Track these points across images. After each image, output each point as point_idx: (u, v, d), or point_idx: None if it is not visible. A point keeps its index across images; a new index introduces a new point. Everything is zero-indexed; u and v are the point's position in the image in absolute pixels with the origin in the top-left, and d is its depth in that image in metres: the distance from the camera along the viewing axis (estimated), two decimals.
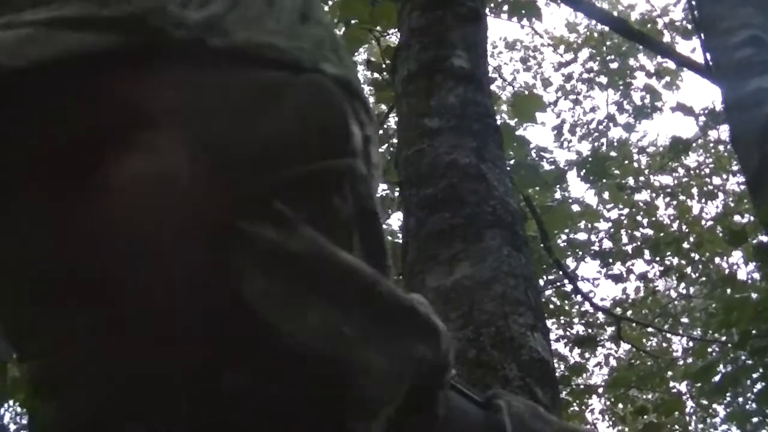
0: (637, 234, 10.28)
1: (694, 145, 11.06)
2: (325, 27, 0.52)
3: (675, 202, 11.29)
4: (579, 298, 9.03)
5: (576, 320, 10.44)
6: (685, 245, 10.05)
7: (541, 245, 5.86)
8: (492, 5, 6.86)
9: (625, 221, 10.47)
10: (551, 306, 9.05)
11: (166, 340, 0.42)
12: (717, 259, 11.05)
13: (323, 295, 0.43)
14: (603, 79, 11.64)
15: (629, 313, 11.15)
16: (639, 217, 10.60)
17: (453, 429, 0.48)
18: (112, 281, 0.41)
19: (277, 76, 0.47)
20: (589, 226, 9.84)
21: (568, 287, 8.38)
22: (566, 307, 9.93)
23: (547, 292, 8.56)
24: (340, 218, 0.46)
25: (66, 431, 0.41)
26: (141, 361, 0.41)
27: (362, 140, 0.50)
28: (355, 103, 0.50)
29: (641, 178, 11.35)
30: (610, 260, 9.80)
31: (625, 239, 10.26)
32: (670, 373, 11.67)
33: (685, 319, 12.94)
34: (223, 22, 0.46)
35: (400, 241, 2.77)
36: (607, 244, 10.17)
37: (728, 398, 12.55)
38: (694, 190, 11.60)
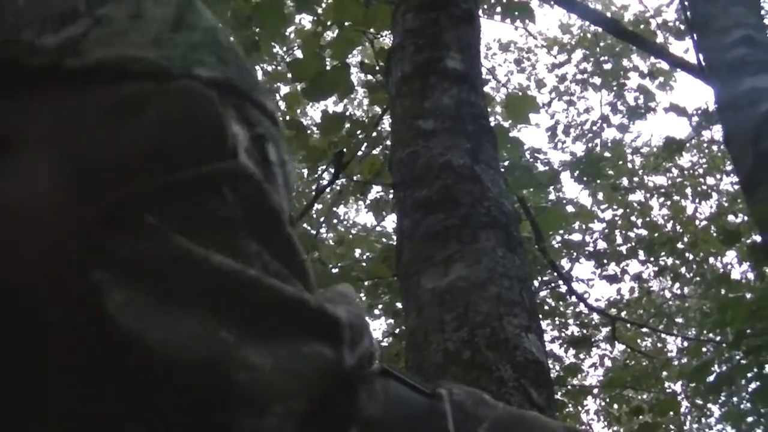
0: (632, 234, 10.30)
1: (687, 145, 11.09)
2: (203, 31, 0.52)
3: (669, 203, 11.32)
4: (574, 298, 9.04)
5: (571, 321, 10.45)
6: (680, 245, 10.07)
7: (536, 246, 5.86)
8: (485, 7, 6.87)
9: (620, 222, 10.48)
10: (546, 307, 9.06)
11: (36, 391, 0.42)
12: (711, 259, 11.08)
13: (196, 301, 0.43)
14: (597, 80, 11.66)
15: (624, 313, 11.16)
16: (633, 218, 10.62)
17: (393, 418, 0.48)
18: None
19: (137, 87, 0.47)
20: (584, 226, 9.85)
21: (563, 288, 8.39)
22: (561, 308, 9.94)
23: (542, 293, 8.57)
24: (220, 221, 0.45)
25: None
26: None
27: (250, 139, 0.49)
28: (240, 102, 0.50)
29: (635, 179, 11.38)
30: (605, 261, 9.81)
31: (619, 240, 10.28)
32: (665, 373, 11.70)
33: (679, 319, 12.97)
34: (81, 43, 0.46)
35: (395, 242, 2.77)
36: (602, 244, 10.19)
37: (723, 398, 12.59)
38: (688, 191, 11.63)
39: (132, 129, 0.45)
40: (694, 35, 4.77)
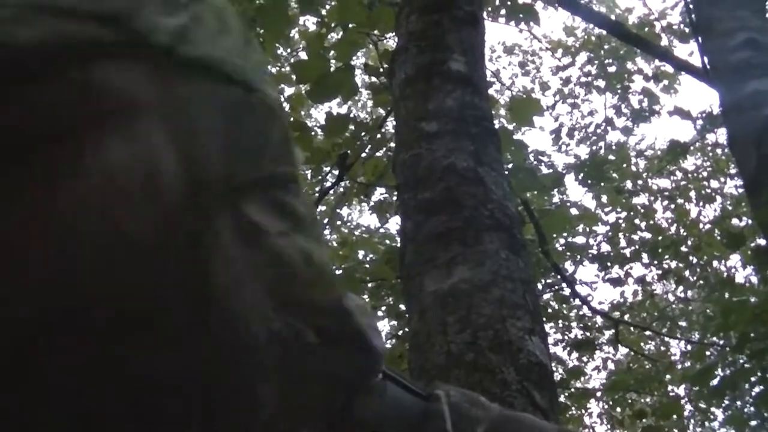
0: (635, 237, 10.29)
1: (691, 148, 11.08)
2: (261, 53, 0.56)
3: (673, 206, 11.31)
4: (577, 301, 9.03)
5: (574, 324, 10.45)
6: (683, 248, 10.06)
7: (539, 249, 5.86)
8: (490, 9, 6.87)
9: (623, 225, 10.48)
10: (549, 310, 9.05)
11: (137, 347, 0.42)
12: (715, 263, 11.07)
13: (269, 290, 0.46)
14: (601, 83, 11.66)
15: (627, 316, 11.16)
16: (637, 221, 10.62)
17: (390, 420, 0.49)
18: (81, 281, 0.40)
19: (235, 90, 0.50)
20: (587, 229, 9.85)
21: (567, 291, 8.39)
22: (564, 311, 9.93)
23: (546, 296, 8.57)
24: (290, 210, 0.50)
25: None
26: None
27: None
28: None
29: (639, 182, 11.37)
30: (609, 264, 9.80)
31: (623, 243, 10.27)
32: (668, 376, 11.69)
33: (683, 323, 12.96)
34: (190, 33, 0.48)
35: (398, 244, 2.77)
36: (606, 247, 10.18)
37: (727, 402, 12.57)
38: (692, 194, 11.62)
39: (234, 128, 0.49)
40: (699, 38, 4.77)
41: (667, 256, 9.77)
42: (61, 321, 0.40)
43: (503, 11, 6.70)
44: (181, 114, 0.47)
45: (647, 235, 10.24)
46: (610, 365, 12.27)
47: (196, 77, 0.49)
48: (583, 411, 11.25)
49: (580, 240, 9.74)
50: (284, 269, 0.47)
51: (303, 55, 7.22)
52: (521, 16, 5.85)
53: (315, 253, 0.50)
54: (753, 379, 6.90)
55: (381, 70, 4.74)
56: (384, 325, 8.31)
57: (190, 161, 0.46)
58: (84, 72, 0.42)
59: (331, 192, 7.41)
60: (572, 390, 9.51)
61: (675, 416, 10.08)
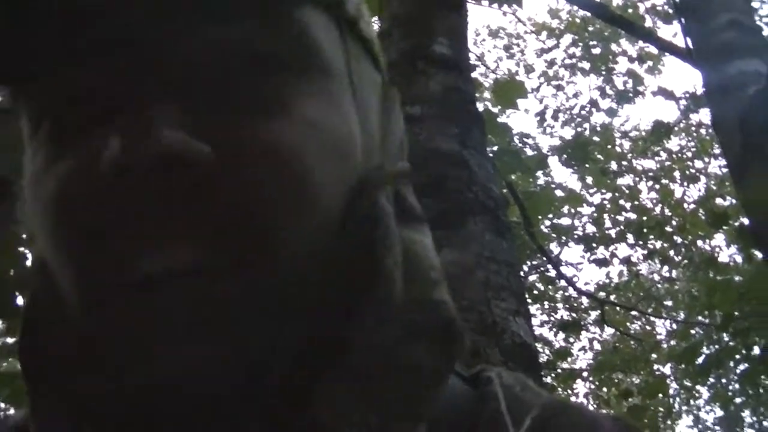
0: (620, 218, 10.32)
1: (675, 129, 11.10)
2: None
3: (658, 186, 11.34)
4: (563, 282, 9.07)
5: (560, 305, 10.49)
6: (668, 229, 10.10)
7: (525, 231, 5.87)
8: None
9: (608, 206, 10.51)
10: (535, 291, 9.09)
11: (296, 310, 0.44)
12: (699, 242, 11.11)
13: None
14: (585, 65, 11.67)
15: (613, 297, 11.20)
16: (622, 202, 10.65)
17: (443, 402, 0.49)
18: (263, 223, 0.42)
19: (380, 78, 0.55)
20: (573, 211, 9.88)
21: (552, 272, 8.42)
22: (550, 292, 9.97)
23: (531, 278, 8.60)
24: (409, 208, 0.54)
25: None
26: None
27: None
28: None
29: (624, 163, 11.39)
30: (594, 245, 9.84)
31: (608, 223, 10.30)
32: (654, 356, 11.76)
33: (668, 302, 13.02)
34: (364, 12, 0.53)
35: None
36: (591, 228, 10.22)
37: (712, 380, 12.65)
38: (677, 174, 11.65)
39: (386, 113, 0.53)
40: (683, 19, 4.76)
41: (652, 237, 9.81)
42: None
43: None
44: (356, 87, 0.50)
45: (632, 216, 10.27)
46: (597, 346, 12.34)
47: (364, 56, 0.52)
48: (570, 391, 11.30)
49: (565, 221, 9.79)
50: (408, 260, 0.49)
51: None
52: None
53: (418, 246, 0.51)
54: (737, 357, 6.96)
55: None
56: None
57: (366, 134, 0.49)
58: (299, 13, 0.46)
59: None
60: (559, 371, 9.55)
61: (661, 395, 10.14)
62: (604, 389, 11.84)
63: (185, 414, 0.42)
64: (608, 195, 10.61)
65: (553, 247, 9.28)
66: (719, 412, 14.77)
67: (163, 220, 0.41)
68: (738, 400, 12.36)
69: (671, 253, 10.48)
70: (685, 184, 11.55)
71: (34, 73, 0.45)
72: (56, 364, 0.46)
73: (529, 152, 7.27)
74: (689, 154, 12.09)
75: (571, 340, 11.39)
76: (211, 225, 0.41)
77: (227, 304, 0.41)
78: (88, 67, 0.43)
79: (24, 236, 2.99)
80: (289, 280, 0.43)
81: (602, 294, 10.55)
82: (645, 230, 9.59)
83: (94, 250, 0.42)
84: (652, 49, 10.30)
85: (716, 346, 7.52)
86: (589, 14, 9.33)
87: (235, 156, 0.42)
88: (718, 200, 10.89)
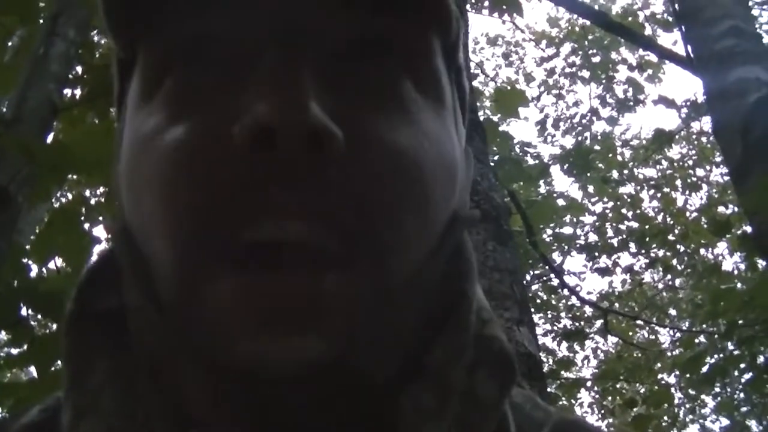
0: (623, 227, 10.31)
1: (677, 137, 11.10)
2: None
3: (659, 195, 11.33)
4: (566, 291, 9.05)
5: (563, 314, 10.47)
6: (671, 237, 10.08)
7: (527, 240, 5.87)
8: (473, 1, 6.86)
9: (610, 214, 10.50)
10: (538, 300, 9.07)
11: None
12: (702, 250, 11.10)
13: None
14: (585, 73, 11.67)
15: (616, 305, 11.18)
16: (624, 210, 10.63)
17: None
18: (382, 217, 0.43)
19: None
20: (575, 219, 9.87)
21: (555, 281, 8.40)
22: (553, 301, 9.95)
23: (534, 287, 8.58)
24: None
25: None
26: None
27: None
28: None
29: (625, 171, 11.38)
30: (596, 253, 9.82)
31: (610, 232, 10.29)
32: (658, 364, 11.72)
33: (672, 311, 13.00)
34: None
35: None
36: (593, 237, 10.20)
37: (717, 389, 12.62)
38: (678, 182, 11.64)
39: (468, 154, 0.55)
40: (682, 27, 4.77)
41: (654, 245, 9.79)
42: None
43: (486, 2, 6.70)
44: (458, 125, 0.52)
45: (634, 225, 10.26)
46: (600, 355, 12.32)
47: (459, 105, 0.54)
48: (574, 401, 11.27)
49: (567, 230, 9.78)
50: None
51: None
52: (504, 7, 5.85)
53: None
54: (742, 365, 6.94)
55: None
56: None
57: (463, 165, 0.51)
58: (429, 38, 0.48)
59: None
60: (562, 380, 9.53)
61: (665, 404, 10.11)
62: (609, 398, 11.80)
63: (262, 397, 0.42)
64: (610, 204, 10.59)
65: (556, 256, 9.27)
66: (725, 422, 14.74)
67: (283, 192, 0.41)
68: (744, 408, 12.33)
69: (674, 261, 10.46)
70: (687, 192, 11.54)
71: (161, 20, 0.45)
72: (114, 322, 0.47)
73: (531, 161, 7.28)
74: (691, 162, 12.09)
75: (575, 349, 11.38)
76: (327, 209, 0.41)
77: (328, 292, 0.41)
78: (222, 17, 0.44)
79: (27, 247, 3.00)
80: (393, 283, 0.43)
81: (605, 303, 10.53)
82: (647, 239, 9.58)
83: (205, 214, 0.42)
84: (653, 57, 10.30)
85: (721, 355, 7.50)
86: (588, 22, 9.34)
87: (360, 148, 0.42)
88: (721, 208, 10.88)
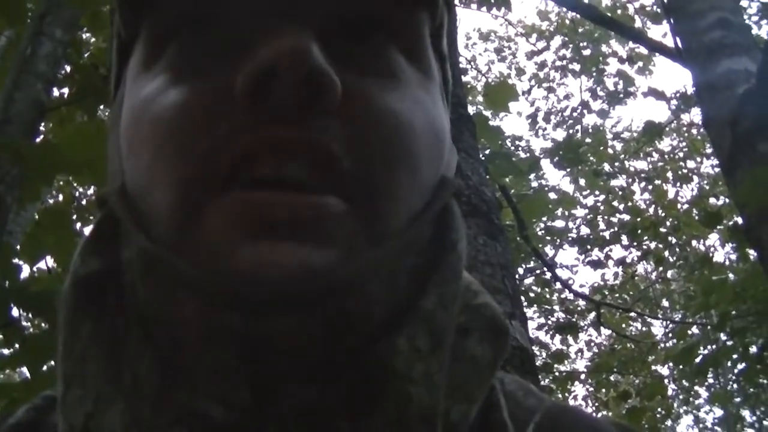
0: (614, 219, 10.34)
1: (667, 129, 11.12)
2: None
3: (651, 187, 11.37)
4: (558, 285, 9.06)
5: (556, 308, 10.49)
6: (662, 229, 10.11)
7: (519, 235, 5.87)
8: None
9: (602, 207, 10.52)
10: (531, 294, 9.09)
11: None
12: (694, 242, 11.13)
13: None
14: (576, 67, 11.70)
15: (609, 298, 11.21)
16: (615, 203, 10.66)
17: None
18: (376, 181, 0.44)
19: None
20: (566, 213, 9.88)
21: (548, 275, 8.41)
22: (546, 295, 9.97)
23: (527, 281, 8.59)
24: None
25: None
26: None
27: None
28: None
29: (617, 164, 11.41)
30: (588, 246, 9.85)
31: (602, 225, 10.31)
32: (651, 357, 11.76)
33: (665, 303, 13.05)
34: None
35: None
36: (585, 230, 10.23)
37: (710, 380, 12.66)
38: (670, 174, 11.68)
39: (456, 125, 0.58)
40: (671, 19, 4.77)
41: (646, 237, 9.81)
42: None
43: None
44: (445, 97, 0.54)
45: (626, 217, 10.29)
46: (594, 348, 12.35)
47: (444, 92, 0.56)
48: (568, 394, 11.30)
49: (559, 224, 9.79)
50: None
51: None
52: (493, 1, 5.85)
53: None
54: (735, 356, 6.95)
55: None
56: None
57: (451, 136, 0.52)
58: (419, 15, 0.50)
59: None
60: (556, 373, 9.55)
61: (659, 396, 10.14)
62: (602, 391, 11.84)
63: (254, 323, 0.42)
64: (601, 197, 10.62)
65: (548, 249, 9.28)
66: (719, 412, 14.79)
67: (283, 134, 0.42)
68: (737, 399, 12.37)
69: (666, 253, 10.49)
70: (678, 184, 11.58)
71: None
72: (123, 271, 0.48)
73: (522, 155, 7.29)
74: (681, 154, 12.13)
75: (569, 342, 11.40)
76: (326, 152, 0.42)
77: (329, 210, 0.42)
78: None
79: (18, 247, 2.99)
80: (386, 227, 0.44)
81: (598, 296, 10.56)
82: (639, 231, 9.60)
83: (206, 156, 0.43)
84: (642, 50, 10.34)
85: (713, 346, 7.52)
86: (578, 16, 9.35)
87: (356, 104, 0.44)
88: (712, 200, 10.92)
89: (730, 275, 7.61)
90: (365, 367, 0.43)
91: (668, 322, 11.74)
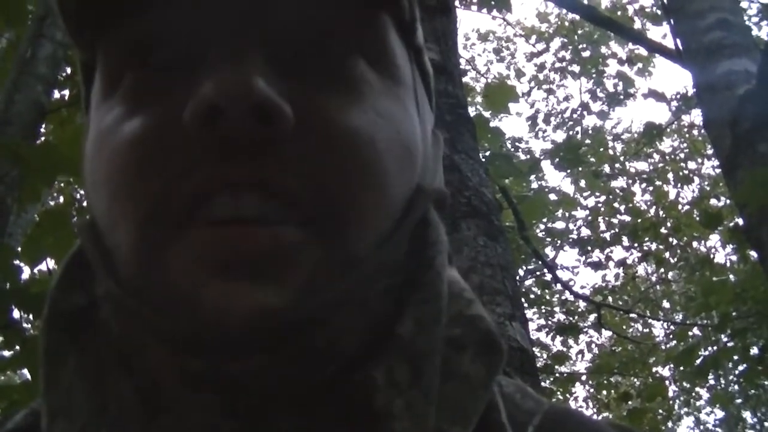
0: (615, 221, 10.34)
1: (667, 130, 11.12)
2: None
3: (651, 188, 11.36)
4: (559, 286, 9.06)
5: (557, 309, 10.48)
6: (663, 230, 10.11)
7: (519, 235, 5.87)
8: None
9: (603, 208, 10.51)
10: (531, 296, 9.08)
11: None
12: (695, 243, 11.13)
13: None
14: (576, 68, 11.69)
15: (609, 299, 11.20)
16: (616, 204, 10.66)
17: None
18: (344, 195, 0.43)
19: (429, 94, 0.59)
20: (567, 214, 9.88)
21: (548, 276, 8.41)
22: (547, 296, 9.97)
23: (527, 282, 8.59)
24: None
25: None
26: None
27: None
28: None
29: (617, 165, 11.41)
30: (589, 248, 9.84)
31: (602, 226, 10.31)
32: (652, 358, 11.76)
33: (665, 304, 13.03)
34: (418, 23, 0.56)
35: None
36: (586, 231, 10.22)
37: (711, 381, 12.65)
38: (670, 175, 11.67)
39: (435, 136, 0.57)
40: (671, 20, 4.77)
41: (647, 239, 9.81)
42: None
43: None
44: (420, 104, 0.53)
45: (627, 218, 10.29)
46: (594, 349, 12.34)
47: (423, 87, 0.56)
48: (569, 395, 11.30)
49: (559, 225, 9.78)
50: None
51: None
52: (493, 3, 5.85)
53: (450, 271, 0.52)
54: (736, 357, 6.95)
55: None
56: None
57: (425, 149, 0.51)
58: (381, 20, 0.49)
59: None
60: (557, 375, 9.54)
61: (660, 397, 10.13)
62: (603, 392, 11.83)
63: (225, 361, 0.42)
64: (602, 198, 10.61)
65: (549, 251, 9.28)
66: (720, 414, 14.78)
67: (236, 169, 0.41)
68: (738, 400, 12.36)
69: (666, 254, 10.49)
70: (679, 185, 11.57)
71: (117, 20, 0.46)
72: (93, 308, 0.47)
73: (522, 156, 7.28)
74: (682, 155, 12.12)
75: (569, 343, 11.40)
76: (281, 185, 0.42)
77: (289, 243, 0.41)
78: (179, 8, 0.45)
79: (18, 249, 2.98)
80: (354, 250, 0.43)
81: (599, 297, 10.55)
82: (640, 232, 9.60)
83: (160, 197, 0.42)
84: (642, 51, 10.34)
85: (714, 347, 7.52)
86: (578, 17, 9.35)
87: (311, 126, 0.43)
88: (712, 201, 10.91)
89: (731, 276, 7.61)
90: (346, 403, 0.43)
91: (669, 323, 11.73)
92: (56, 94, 3.75)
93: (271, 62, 0.43)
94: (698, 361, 6.25)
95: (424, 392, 0.43)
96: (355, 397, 0.43)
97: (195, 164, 0.41)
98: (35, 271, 3.58)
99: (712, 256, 10.64)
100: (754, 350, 6.38)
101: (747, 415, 13.34)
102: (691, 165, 11.98)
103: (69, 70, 3.75)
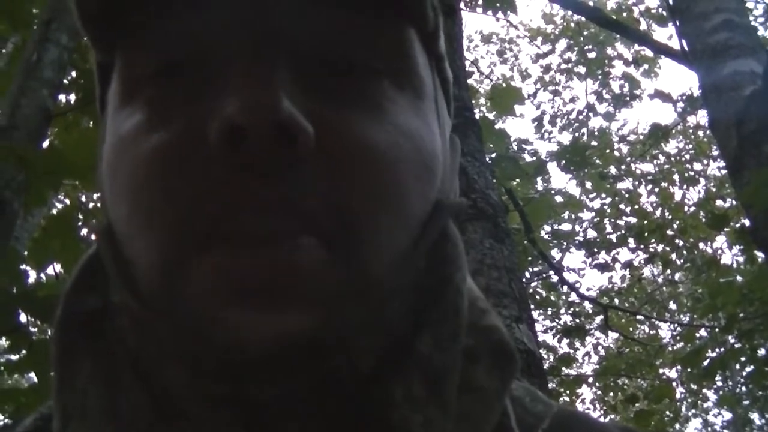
0: (621, 222, 10.32)
1: (673, 131, 11.11)
2: None
3: (657, 189, 11.34)
4: (565, 288, 9.05)
5: (563, 311, 10.47)
6: (669, 232, 10.09)
7: (525, 237, 5.86)
8: None
9: (609, 210, 10.50)
10: (538, 297, 9.07)
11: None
12: (701, 244, 11.10)
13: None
14: (581, 69, 11.68)
15: (616, 301, 11.19)
16: (622, 206, 10.64)
17: None
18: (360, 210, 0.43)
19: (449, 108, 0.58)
20: (573, 216, 9.86)
21: (554, 278, 8.40)
22: (553, 298, 9.95)
23: (534, 284, 8.58)
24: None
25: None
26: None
27: None
28: None
29: (623, 167, 11.39)
30: (595, 249, 9.82)
31: (609, 228, 10.29)
32: (659, 360, 11.73)
33: (672, 305, 13.01)
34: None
35: None
36: (592, 233, 10.20)
37: (719, 383, 12.62)
38: (676, 177, 11.65)
39: (453, 146, 0.56)
40: (677, 21, 4.77)
41: (653, 240, 9.79)
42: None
43: (480, 0, 6.70)
44: (441, 115, 0.52)
45: (633, 220, 10.27)
46: (601, 351, 12.32)
47: (442, 94, 0.55)
48: (575, 397, 11.28)
49: (566, 227, 9.76)
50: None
51: None
52: (498, 5, 5.84)
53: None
54: (743, 358, 6.94)
55: None
56: None
57: (443, 155, 0.50)
58: (405, 32, 0.48)
59: None
60: (563, 377, 9.53)
61: (667, 399, 10.12)
62: (610, 394, 11.82)
63: (245, 390, 0.42)
64: (608, 199, 10.60)
65: (555, 253, 9.27)
66: (727, 415, 14.75)
67: (261, 188, 0.41)
68: (746, 402, 12.33)
69: (673, 256, 10.47)
70: (685, 186, 11.54)
71: (139, 25, 0.45)
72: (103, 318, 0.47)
73: (528, 158, 7.27)
74: (688, 157, 12.10)
75: (576, 345, 11.38)
76: (303, 206, 0.41)
77: (308, 267, 0.41)
78: (203, 16, 0.44)
79: (25, 253, 2.99)
80: (373, 269, 0.43)
81: (605, 299, 10.54)
82: (646, 234, 9.58)
83: (184, 213, 0.42)
84: (648, 52, 10.33)
85: (721, 349, 7.50)
86: (583, 19, 9.35)
87: (334, 146, 0.42)
88: (718, 202, 10.89)
89: (738, 277, 7.59)
90: (365, 418, 0.43)
91: (676, 324, 11.71)
92: (61, 98, 3.75)
93: (293, 76, 0.43)
94: (705, 363, 6.23)
95: (443, 408, 0.44)
96: (374, 413, 0.43)
97: (218, 184, 0.41)
98: (42, 275, 3.58)
99: (718, 257, 10.61)
100: (762, 351, 6.37)
101: (755, 416, 13.31)
102: (697, 166, 11.96)
103: (74, 74, 3.75)
